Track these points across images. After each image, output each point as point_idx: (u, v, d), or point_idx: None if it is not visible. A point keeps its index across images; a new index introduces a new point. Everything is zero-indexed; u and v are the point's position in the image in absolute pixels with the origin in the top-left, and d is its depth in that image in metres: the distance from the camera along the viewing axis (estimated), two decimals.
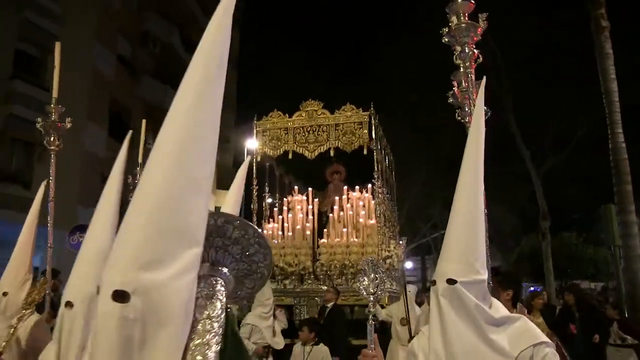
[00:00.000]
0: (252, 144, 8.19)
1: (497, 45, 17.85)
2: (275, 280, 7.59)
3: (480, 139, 2.22)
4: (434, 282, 2.11)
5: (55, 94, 3.64)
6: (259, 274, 1.18)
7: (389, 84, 21.90)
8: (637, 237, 12.17)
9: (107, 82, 19.23)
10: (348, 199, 8.02)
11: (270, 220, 8.14)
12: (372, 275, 2.65)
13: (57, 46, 3.80)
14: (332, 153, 7.57)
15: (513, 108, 19.07)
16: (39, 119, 3.68)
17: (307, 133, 7.60)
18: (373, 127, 7.30)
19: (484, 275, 2.07)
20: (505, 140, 19.05)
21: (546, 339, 2.01)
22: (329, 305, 6.80)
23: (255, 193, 7.79)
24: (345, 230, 7.63)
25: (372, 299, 2.64)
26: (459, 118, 3.31)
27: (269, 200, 8.34)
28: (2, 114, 15.36)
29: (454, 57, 3.09)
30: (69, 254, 16.82)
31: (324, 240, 7.66)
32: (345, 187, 8.17)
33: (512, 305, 3.59)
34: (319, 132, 7.57)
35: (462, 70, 3.10)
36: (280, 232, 7.86)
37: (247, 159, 2.66)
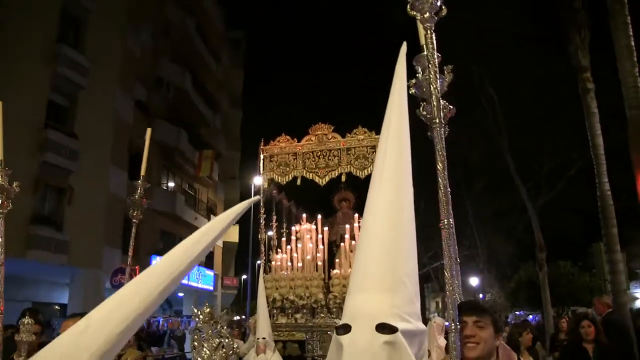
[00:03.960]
0: (258, 180, 7.13)
1: (494, 92, 17.69)
2: (285, 314, 6.41)
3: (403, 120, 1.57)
4: (344, 328, 1.18)
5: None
6: None
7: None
8: (622, 274, 12.31)
9: (126, 126, 18.50)
10: (359, 227, 6.86)
11: (279, 250, 6.98)
12: (212, 340, 1.64)
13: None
14: (343, 178, 6.46)
15: (509, 146, 18.66)
16: None
17: (317, 158, 6.47)
18: None
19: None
20: (502, 173, 18.56)
21: None
22: None
23: (262, 222, 6.68)
24: None
25: None
26: (425, 113, 1.94)
27: (272, 231, 7.19)
28: (36, 161, 14.98)
29: (407, 8, 1.82)
30: (99, 295, 15.76)
31: (336, 271, 6.46)
32: (357, 215, 7.01)
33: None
34: (329, 157, 6.44)
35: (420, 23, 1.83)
36: (289, 263, 6.68)
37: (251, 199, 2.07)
